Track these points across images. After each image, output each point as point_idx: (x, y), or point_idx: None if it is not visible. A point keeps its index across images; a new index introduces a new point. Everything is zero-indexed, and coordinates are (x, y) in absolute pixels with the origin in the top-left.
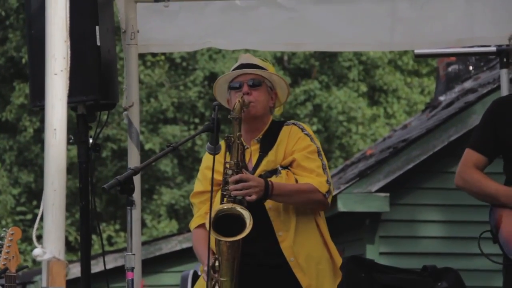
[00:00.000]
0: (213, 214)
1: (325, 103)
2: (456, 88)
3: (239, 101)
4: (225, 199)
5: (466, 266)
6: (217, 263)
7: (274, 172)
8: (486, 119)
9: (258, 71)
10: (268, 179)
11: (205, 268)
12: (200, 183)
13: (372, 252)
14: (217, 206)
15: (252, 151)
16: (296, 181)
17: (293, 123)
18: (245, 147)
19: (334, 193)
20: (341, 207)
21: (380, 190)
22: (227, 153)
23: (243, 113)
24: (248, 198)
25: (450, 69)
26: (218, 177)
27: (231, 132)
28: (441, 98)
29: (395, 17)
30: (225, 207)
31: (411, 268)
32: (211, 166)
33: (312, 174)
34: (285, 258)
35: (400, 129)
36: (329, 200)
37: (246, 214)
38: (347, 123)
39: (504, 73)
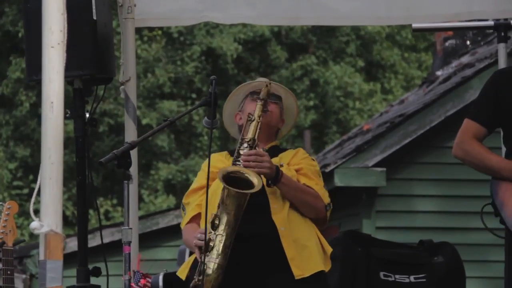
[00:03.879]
0: (225, 171)
1: (322, 78)
2: (453, 63)
3: (267, 85)
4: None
5: (462, 240)
6: (216, 221)
7: None
8: (486, 90)
9: (281, 90)
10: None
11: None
12: (195, 182)
13: (368, 227)
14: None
15: None
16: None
17: (301, 148)
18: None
19: (331, 168)
20: (338, 182)
21: (377, 165)
22: (243, 130)
23: (264, 113)
24: (255, 170)
25: (447, 43)
26: (216, 171)
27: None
28: (438, 73)
29: None
30: (241, 170)
31: (407, 242)
32: (212, 164)
33: (318, 186)
34: (276, 228)
35: (397, 104)
36: (328, 214)
37: (256, 178)
38: (344, 98)
39: (501, 48)
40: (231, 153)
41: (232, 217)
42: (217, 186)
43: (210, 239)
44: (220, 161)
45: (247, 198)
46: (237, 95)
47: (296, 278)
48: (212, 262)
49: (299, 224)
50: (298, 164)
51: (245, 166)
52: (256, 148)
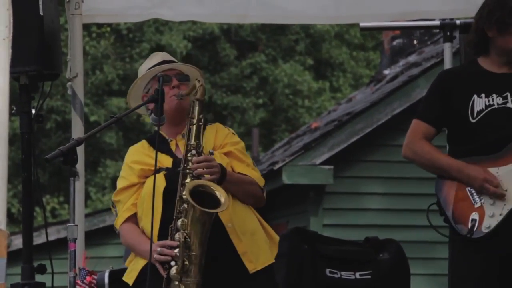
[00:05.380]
0: (190, 186)
1: (272, 76)
2: (400, 62)
3: (202, 84)
4: (188, 177)
5: (408, 237)
6: (188, 239)
7: None
8: (433, 90)
9: (184, 68)
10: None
11: (154, 247)
12: (125, 179)
13: (316, 224)
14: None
15: (179, 145)
16: (233, 169)
17: (217, 123)
18: (169, 140)
19: (279, 165)
20: (286, 179)
21: (324, 162)
22: (187, 134)
23: (180, 99)
24: (209, 177)
25: (394, 43)
26: (148, 167)
27: (191, 114)
28: (386, 71)
29: None
30: (209, 185)
31: (354, 239)
32: (138, 160)
33: (249, 168)
34: (223, 225)
35: (345, 103)
36: (264, 195)
37: (221, 192)
38: (293, 96)
39: (447, 47)
40: (150, 142)
41: (204, 234)
42: (149, 185)
43: (184, 259)
44: (144, 154)
45: (214, 214)
46: (142, 79)
47: (250, 272)
48: (192, 283)
49: (244, 215)
50: (224, 147)
51: (197, 174)
52: (202, 150)
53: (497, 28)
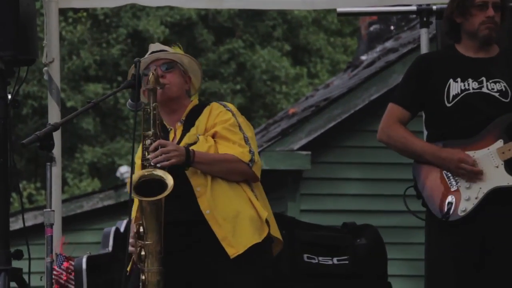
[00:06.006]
0: (134, 180)
1: (249, 62)
2: (377, 48)
3: (152, 73)
4: (147, 167)
5: (385, 223)
6: (141, 229)
7: (195, 144)
8: (409, 74)
9: (169, 55)
10: (190, 148)
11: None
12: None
13: (293, 210)
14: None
15: (177, 133)
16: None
17: (215, 102)
18: (169, 129)
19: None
20: (263, 165)
21: (302, 148)
22: (142, 125)
23: (158, 88)
24: (167, 163)
25: (372, 28)
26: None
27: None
28: (363, 57)
29: None
30: (146, 173)
31: (332, 225)
32: (139, 154)
33: (235, 145)
34: (201, 212)
35: (322, 88)
36: (255, 169)
37: (166, 176)
38: (270, 82)
39: (424, 33)
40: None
41: (156, 222)
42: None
43: (141, 249)
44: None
45: (163, 200)
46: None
47: (232, 257)
48: (149, 272)
49: (226, 198)
50: (214, 127)
51: (155, 162)
52: (159, 137)
53: (460, 12)
